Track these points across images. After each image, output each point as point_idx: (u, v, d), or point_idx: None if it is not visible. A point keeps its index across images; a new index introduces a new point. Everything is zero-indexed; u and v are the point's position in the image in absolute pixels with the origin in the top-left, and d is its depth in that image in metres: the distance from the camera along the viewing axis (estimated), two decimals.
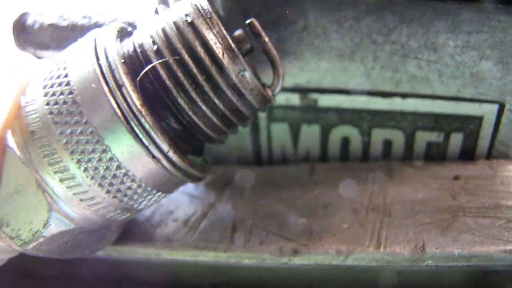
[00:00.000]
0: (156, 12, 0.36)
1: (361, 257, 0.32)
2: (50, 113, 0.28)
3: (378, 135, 0.38)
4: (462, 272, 0.42)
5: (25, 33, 0.41)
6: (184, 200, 0.37)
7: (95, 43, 0.29)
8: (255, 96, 0.29)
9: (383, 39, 0.34)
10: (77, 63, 0.28)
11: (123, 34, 0.31)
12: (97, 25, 0.39)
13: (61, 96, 0.28)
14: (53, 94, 0.28)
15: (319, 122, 0.38)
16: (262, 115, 0.38)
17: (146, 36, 0.29)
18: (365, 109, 0.37)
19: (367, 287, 0.41)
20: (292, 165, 0.39)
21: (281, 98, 0.37)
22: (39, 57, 0.43)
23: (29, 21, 0.41)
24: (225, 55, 0.27)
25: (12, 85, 0.30)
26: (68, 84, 0.28)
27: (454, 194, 0.35)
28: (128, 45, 0.29)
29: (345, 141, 0.39)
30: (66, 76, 0.28)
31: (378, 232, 0.32)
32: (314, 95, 0.37)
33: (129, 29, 0.32)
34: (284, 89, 0.36)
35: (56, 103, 0.28)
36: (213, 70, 0.27)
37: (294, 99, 0.37)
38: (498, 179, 0.35)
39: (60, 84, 0.28)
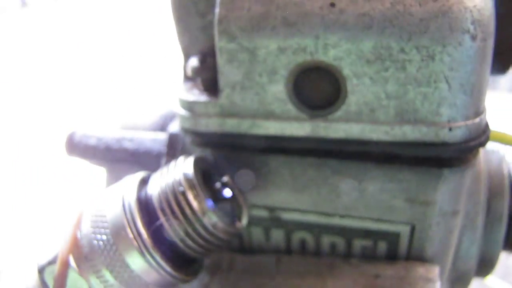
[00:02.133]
0: (167, 147, 0.52)
1: None
2: (97, 246, 0.44)
3: (326, 239, 0.52)
4: None
5: (73, 148, 0.57)
6: None
7: (123, 200, 0.44)
8: (226, 235, 0.44)
9: (322, 182, 0.48)
10: (111, 214, 0.44)
11: (143, 181, 0.47)
12: (125, 150, 0.55)
13: (104, 237, 0.44)
14: (99, 233, 0.44)
15: (283, 228, 0.52)
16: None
17: (155, 194, 0.44)
18: (315, 223, 0.51)
19: None
20: (265, 256, 0.54)
21: (256, 211, 0.52)
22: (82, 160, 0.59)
23: (76, 139, 0.57)
24: (205, 216, 0.43)
25: (71, 218, 0.47)
26: (107, 228, 0.44)
27: None
28: (144, 195, 0.45)
29: (303, 242, 0.53)
30: (106, 222, 0.44)
31: None
32: (278, 212, 0.51)
33: (147, 176, 0.48)
34: (257, 206, 0.51)
35: (100, 240, 0.44)
36: (197, 225, 0.43)
37: (264, 213, 0.52)
38: (407, 280, 0.49)
39: (102, 227, 0.44)
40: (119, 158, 0.54)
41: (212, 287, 0.52)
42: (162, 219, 0.43)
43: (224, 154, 0.49)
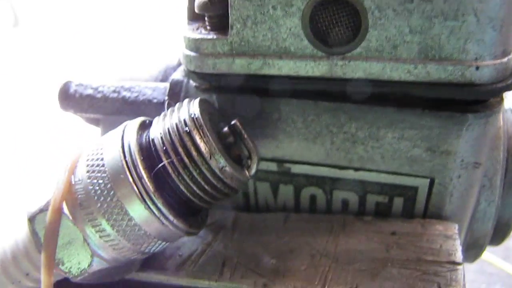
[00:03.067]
0: (168, 96, 0.48)
1: None
2: (93, 191, 0.40)
3: (338, 195, 0.49)
4: None
5: (67, 100, 0.53)
6: (189, 239, 0.49)
7: (123, 140, 0.41)
8: (233, 181, 0.41)
9: (337, 130, 0.44)
10: (110, 156, 0.40)
11: (143, 126, 0.43)
12: (123, 99, 0.51)
13: (101, 181, 0.40)
14: (95, 178, 0.40)
15: (292, 183, 0.49)
16: None
17: (158, 135, 0.41)
18: (327, 176, 0.48)
19: None
20: (271, 214, 0.50)
21: (263, 165, 0.48)
22: (78, 115, 0.56)
23: (71, 90, 0.53)
24: (212, 158, 0.39)
25: (65, 164, 0.43)
26: (105, 172, 0.40)
27: (388, 247, 0.45)
28: (146, 139, 0.41)
29: (313, 198, 0.50)
30: (103, 166, 0.40)
31: (325, 275, 0.44)
32: (288, 165, 0.48)
33: (147, 120, 0.44)
34: (266, 159, 0.48)
35: (97, 186, 0.40)
36: (203, 168, 0.39)
37: (273, 166, 0.48)
38: (425, 237, 0.46)
39: (99, 172, 0.40)
40: (117, 109, 0.51)
41: (215, 246, 0.48)
42: (165, 161, 0.39)
43: (232, 99, 0.45)
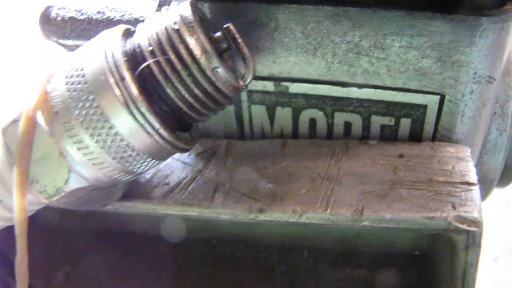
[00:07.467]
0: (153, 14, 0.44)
1: (312, 217, 0.39)
2: (70, 98, 0.36)
3: (340, 118, 0.45)
4: (413, 235, 0.49)
5: (49, 25, 0.49)
6: (178, 167, 0.45)
7: (105, 44, 0.37)
8: (227, 87, 0.37)
9: (340, 40, 0.41)
10: (90, 60, 0.36)
11: (127, 34, 0.39)
12: (108, 20, 0.47)
13: (78, 85, 0.36)
14: (72, 83, 0.36)
15: (290, 106, 0.45)
16: (244, 99, 0.46)
17: (143, 38, 0.37)
18: (328, 96, 0.44)
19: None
20: (268, 140, 0.47)
21: (259, 85, 0.44)
22: (61, 45, 0.52)
23: (53, 13, 0.49)
24: (203, 56, 0.35)
25: (41, 75, 0.39)
26: (83, 76, 0.36)
27: (396, 169, 0.42)
28: (130, 44, 0.37)
29: (313, 122, 0.46)
30: (82, 69, 0.36)
31: (328, 198, 0.40)
32: (286, 83, 0.44)
33: (132, 29, 0.40)
34: (261, 78, 0.44)
35: (74, 90, 0.36)
36: (193, 67, 0.35)
37: (269, 86, 0.44)
38: (436, 159, 0.42)
39: (77, 76, 0.36)
40: (102, 31, 0.47)
41: (206, 173, 0.44)
42: (150, 60, 0.35)
43: (225, 7, 0.41)
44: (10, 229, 0.44)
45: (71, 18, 0.48)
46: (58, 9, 0.49)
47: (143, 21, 0.45)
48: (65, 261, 0.55)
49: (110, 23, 0.47)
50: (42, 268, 0.55)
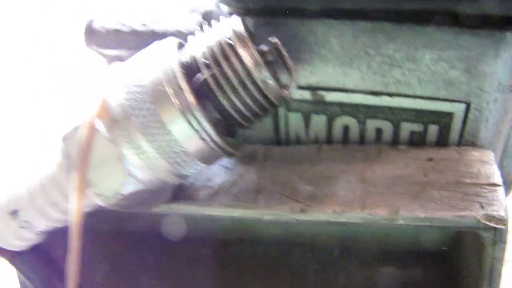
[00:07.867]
0: (200, 27, 0.47)
1: (350, 216, 0.42)
2: (130, 107, 0.39)
3: (371, 124, 0.48)
4: (437, 234, 0.53)
5: (93, 36, 0.52)
6: (220, 171, 0.48)
7: (161, 56, 0.40)
8: (275, 97, 0.40)
9: (374, 52, 0.44)
10: (148, 71, 0.39)
11: (179, 46, 0.42)
12: (153, 32, 0.50)
13: (138, 95, 0.39)
14: (131, 93, 0.39)
15: (325, 113, 0.48)
16: (281, 107, 0.49)
17: (198, 51, 0.40)
18: (361, 104, 0.47)
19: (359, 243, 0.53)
20: (303, 145, 0.50)
21: (296, 94, 0.47)
22: (101, 54, 0.54)
23: (97, 25, 0.52)
24: (255, 68, 0.38)
25: (96, 85, 0.42)
26: (143, 86, 0.39)
27: (426, 172, 0.45)
28: (185, 57, 0.40)
29: (346, 128, 0.49)
30: (140, 80, 0.39)
31: (364, 199, 0.43)
32: (322, 92, 0.47)
33: (182, 42, 0.43)
34: (299, 87, 0.47)
35: (134, 100, 0.39)
36: (246, 79, 0.38)
37: (306, 95, 0.47)
38: (462, 162, 0.45)
39: (136, 86, 0.39)
40: (144, 42, 0.49)
41: (247, 177, 0.47)
42: (207, 74, 0.38)
43: (267, 21, 0.44)
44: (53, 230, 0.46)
45: (115, 30, 0.51)
46: (101, 21, 0.52)
47: (185, 33, 0.49)
48: (103, 260, 0.58)
49: (154, 35, 0.50)
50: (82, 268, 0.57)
